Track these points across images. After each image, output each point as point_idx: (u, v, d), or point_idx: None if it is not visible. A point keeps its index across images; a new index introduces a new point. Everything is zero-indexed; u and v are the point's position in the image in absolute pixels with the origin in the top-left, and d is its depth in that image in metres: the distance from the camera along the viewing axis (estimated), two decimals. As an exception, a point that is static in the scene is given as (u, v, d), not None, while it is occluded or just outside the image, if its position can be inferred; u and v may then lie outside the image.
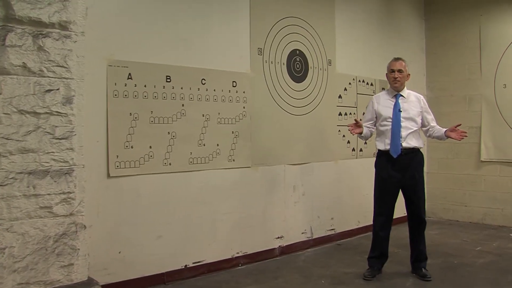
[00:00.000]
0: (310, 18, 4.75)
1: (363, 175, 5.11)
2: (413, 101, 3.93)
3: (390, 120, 3.86)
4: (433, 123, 3.99)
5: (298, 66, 4.65)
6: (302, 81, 4.70)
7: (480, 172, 5.89)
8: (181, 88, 3.73)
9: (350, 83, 5.24)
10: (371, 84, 5.45)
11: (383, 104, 3.95)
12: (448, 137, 3.87)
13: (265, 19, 4.35)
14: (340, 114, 5.11)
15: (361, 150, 5.35)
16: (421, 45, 6.40)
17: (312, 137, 4.78)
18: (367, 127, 3.98)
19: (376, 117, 3.99)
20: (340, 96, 5.12)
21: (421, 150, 3.93)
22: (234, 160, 4.09)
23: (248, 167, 4.21)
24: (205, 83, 3.88)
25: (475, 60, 5.91)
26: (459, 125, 3.83)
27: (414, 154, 3.85)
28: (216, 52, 3.98)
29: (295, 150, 4.62)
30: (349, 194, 5.19)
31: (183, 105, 3.73)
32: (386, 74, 3.99)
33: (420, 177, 3.90)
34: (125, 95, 3.41)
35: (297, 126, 4.63)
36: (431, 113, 4.02)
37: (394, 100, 3.91)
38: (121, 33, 3.40)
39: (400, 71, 3.88)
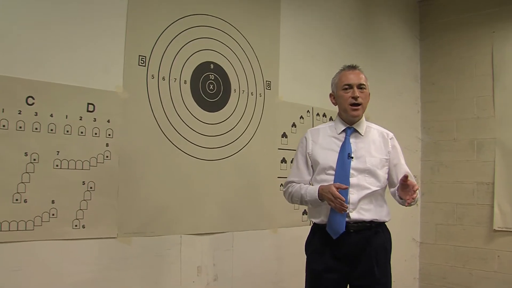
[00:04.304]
0: (236, 18, 3.32)
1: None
2: (375, 141, 2.47)
3: (332, 172, 2.37)
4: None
5: (212, 87, 3.18)
6: (218, 110, 3.20)
7: (493, 245, 4.51)
8: (-16, 110, 2.31)
9: (302, 117, 3.74)
10: (338, 120, 3.94)
11: (323, 144, 2.47)
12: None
13: (156, 14, 2.93)
14: (283, 160, 3.59)
15: (316, 212, 3.79)
16: (415, 72, 5.00)
17: (234, 193, 3.27)
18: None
19: (312, 167, 2.51)
20: (285, 135, 3.61)
21: (386, 224, 2.43)
22: (84, 227, 2.60)
23: (111, 238, 2.71)
24: (33, 104, 2.45)
25: (486, 92, 4.62)
26: (406, 176, 2.24)
27: (372, 233, 2.37)
28: (59, 56, 2.55)
29: (202, 213, 3.11)
30: (296, 277, 3.56)
31: (-14, 136, 2.31)
32: (332, 94, 2.54)
33: (384, 276, 2.37)
34: None
35: (207, 176, 3.13)
36: (404, 164, 2.51)
37: (342, 137, 2.43)
38: None
39: (361, 87, 2.40)
